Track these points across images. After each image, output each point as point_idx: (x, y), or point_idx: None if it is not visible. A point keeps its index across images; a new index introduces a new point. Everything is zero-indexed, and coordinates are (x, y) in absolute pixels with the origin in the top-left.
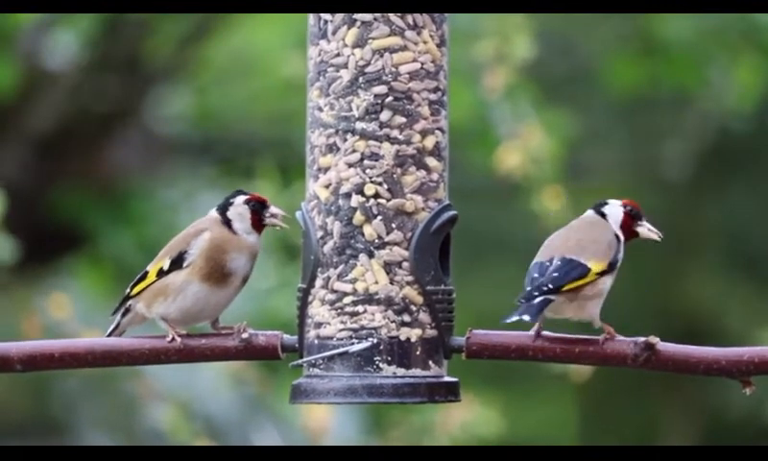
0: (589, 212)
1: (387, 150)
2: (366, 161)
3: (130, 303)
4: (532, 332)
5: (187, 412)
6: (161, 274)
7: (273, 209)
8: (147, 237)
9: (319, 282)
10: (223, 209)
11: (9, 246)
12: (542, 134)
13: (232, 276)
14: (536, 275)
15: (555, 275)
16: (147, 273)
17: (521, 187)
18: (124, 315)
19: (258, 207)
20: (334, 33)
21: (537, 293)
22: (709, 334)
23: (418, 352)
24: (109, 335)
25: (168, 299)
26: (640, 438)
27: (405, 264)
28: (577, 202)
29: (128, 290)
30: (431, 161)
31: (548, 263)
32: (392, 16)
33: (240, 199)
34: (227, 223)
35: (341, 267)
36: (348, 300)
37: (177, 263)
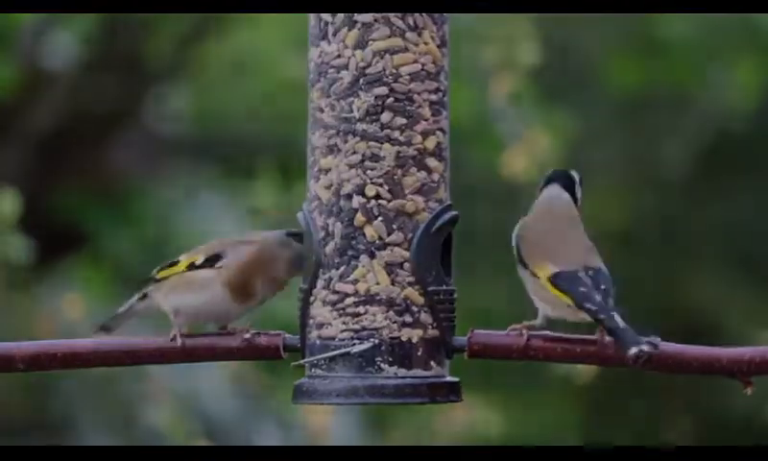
0: (554, 191)
1: (388, 151)
2: (367, 162)
3: (151, 287)
4: (524, 336)
5: (187, 412)
6: (192, 267)
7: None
8: (147, 237)
9: (320, 283)
10: (291, 236)
11: (24, 245)
12: (547, 138)
13: (255, 296)
14: (594, 281)
15: (608, 286)
16: (178, 262)
17: (523, 189)
18: (141, 300)
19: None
20: (335, 34)
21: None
22: (709, 334)
23: (419, 353)
24: (118, 315)
25: (187, 293)
26: (640, 438)
27: (406, 265)
28: None
29: (153, 273)
30: (432, 162)
31: (587, 271)
32: (392, 18)
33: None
34: (286, 248)
35: (342, 268)
36: (349, 300)
37: (210, 262)
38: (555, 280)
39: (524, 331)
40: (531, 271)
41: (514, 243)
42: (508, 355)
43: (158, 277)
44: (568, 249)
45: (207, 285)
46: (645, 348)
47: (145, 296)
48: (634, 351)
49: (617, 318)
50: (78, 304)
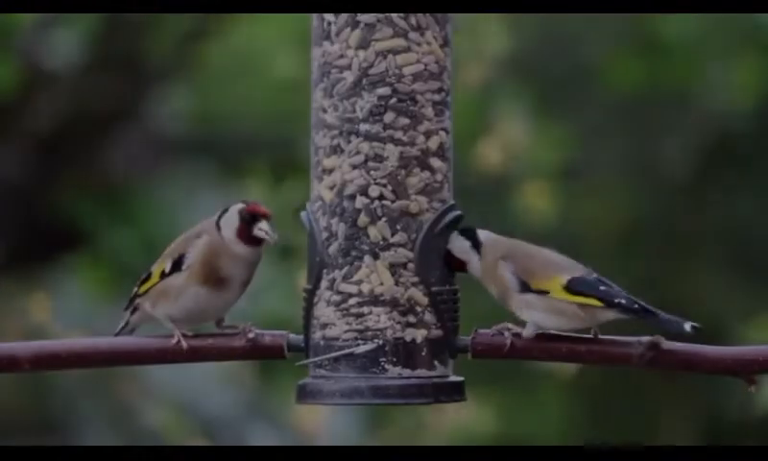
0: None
1: (391, 151)
2: (370, 163)
3: (137, 301)
4: (507, 338)
5: (185, 412)
6: (164, 275)
7: (262, 224)
8: (147, 237)
9: (324, 284)
10: (220, 215)
11: None
12: (521, 129)
13: (229, 281)
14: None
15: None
16: (151, 273)
17: (513, 184)
18: (133, 313)
19: (248, 219)
20: (337, 34)
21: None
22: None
23: (423, 353)
24: (119, 332)
25: (170, 300)
26: (640, 438)
27: (410, 265)
28: (576, 201)
29: (135, 289)
30: (435, 162)
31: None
32: (395, 18)
33: (235, 207)
34: (219, 229)
35: (346, 268)
36: (353, 301)
37: (177, 266)
38: (572, 286)
39: (507, 333)
40: (535, 290)
41: (500, 273)
42: (512, 355)
43: (140, 292)
44: (565, 261)
45: (182, 288)
46: (691, 324)
47: (136, 308)
48: (688, 326)
49: (649, 307)
50: (46, 305)
